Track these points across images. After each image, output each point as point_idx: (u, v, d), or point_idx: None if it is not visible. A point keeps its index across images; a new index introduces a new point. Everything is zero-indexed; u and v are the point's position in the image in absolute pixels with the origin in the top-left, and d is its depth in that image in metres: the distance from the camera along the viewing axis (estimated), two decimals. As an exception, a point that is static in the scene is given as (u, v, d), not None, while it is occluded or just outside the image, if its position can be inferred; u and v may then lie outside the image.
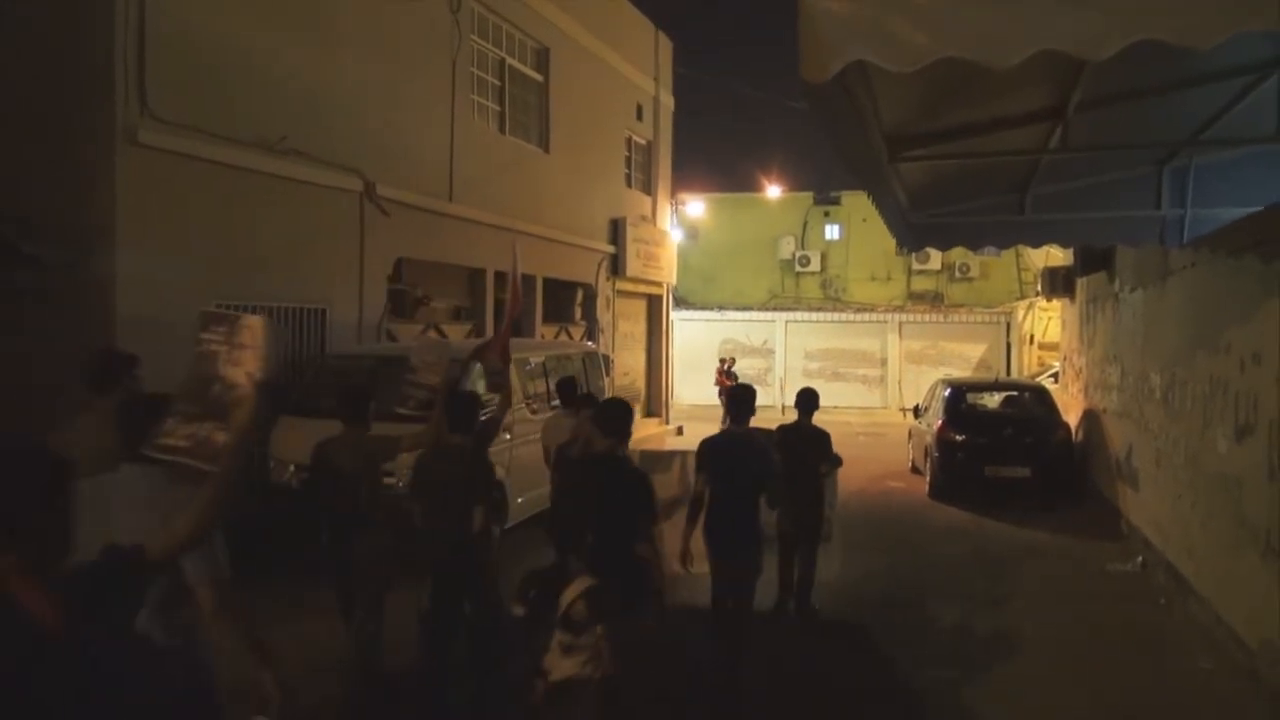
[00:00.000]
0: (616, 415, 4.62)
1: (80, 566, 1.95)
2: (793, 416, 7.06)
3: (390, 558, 5.11)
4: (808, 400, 7.01)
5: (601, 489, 4.41)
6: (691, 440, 12.53)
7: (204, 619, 2.94)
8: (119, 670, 1.89)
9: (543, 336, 14.14)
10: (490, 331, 12.70)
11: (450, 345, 7.52)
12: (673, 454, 10.93)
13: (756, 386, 6.67)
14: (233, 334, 3.24)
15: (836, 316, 25.46)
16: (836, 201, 28.14)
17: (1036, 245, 9.89)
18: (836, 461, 7.09)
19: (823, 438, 6.95)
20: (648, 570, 4.16)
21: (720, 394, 8.41)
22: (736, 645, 5.24)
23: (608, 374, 12.17)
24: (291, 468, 7.56)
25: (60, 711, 1.76)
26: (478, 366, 7.34)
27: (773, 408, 18.00)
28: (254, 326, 3.13)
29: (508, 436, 8.36)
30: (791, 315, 25.53)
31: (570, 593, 3.74)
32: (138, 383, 4.14)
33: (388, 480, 5.71)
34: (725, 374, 17.76)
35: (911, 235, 7.63)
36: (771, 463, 5.56)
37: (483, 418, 5.89)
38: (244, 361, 3.12)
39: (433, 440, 5.19)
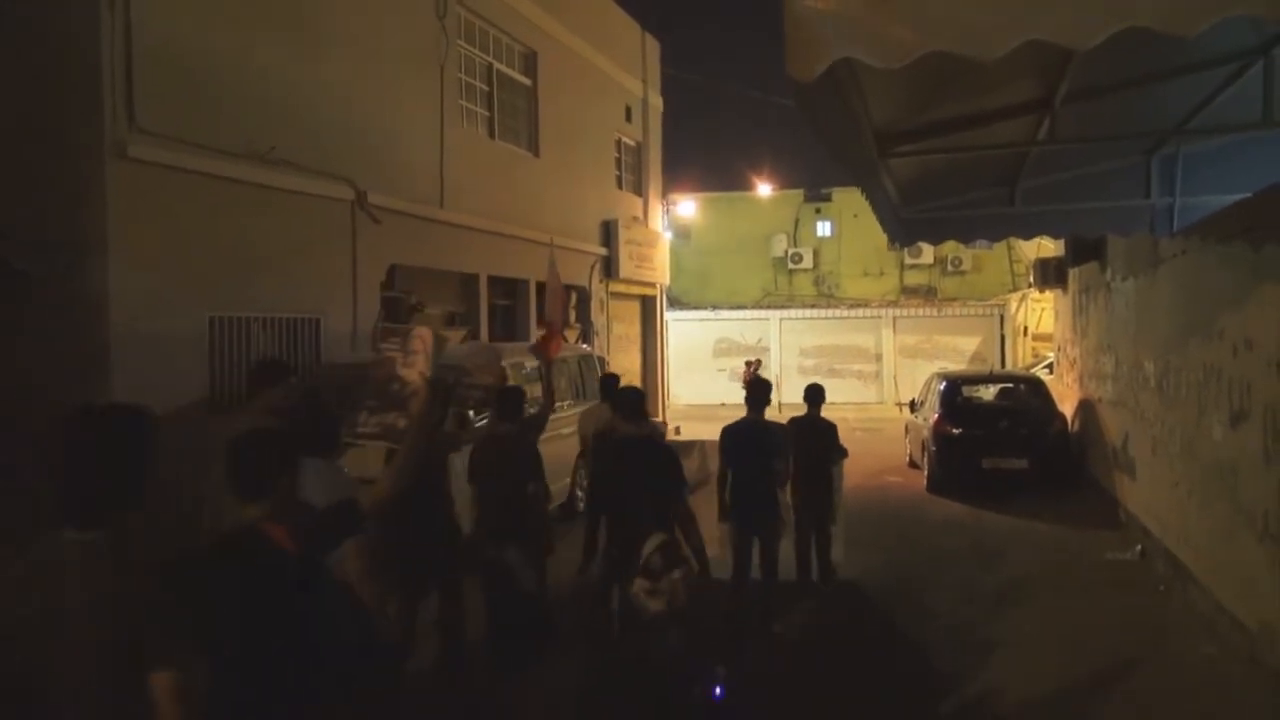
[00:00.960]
0: (635, 400, 5.49)
1: (313, 512, 2.74)
2: (790, 412, 7.69)
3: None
4: (816, 394, 7.55)
5: (641, 464, 5.04)
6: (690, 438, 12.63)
7: (353, 580, 3.39)
8: (331, 589, 2.70)
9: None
10: (486, 336, 12.72)
11: (500, 349, 8.31)
12: (692, 443, 11.96)
13: (752, 383, 7.35)
14: (405, 343, 4.20)
15: (830, 313, 25.50)
16: (828, 198, 28.19)
17: (1028, 237, 9.93)
18: (843, 452, 7.61)
19: (831, 429, 7.47)
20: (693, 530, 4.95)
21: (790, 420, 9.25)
22: (766, 606, 6.34)
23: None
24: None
25: (303, 612, 2.49)
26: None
27: (769, 405, 17.90)
28: (423, 336, 4.06)
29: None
30: (785, 313, 25.56)
31: (648, 546, 4.49)
32: (291, 387, 4.73)
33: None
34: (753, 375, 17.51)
35: (903, 230, 7.65)
36: (781, 446, 6.39)
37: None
38: (416, 364, 3.99)
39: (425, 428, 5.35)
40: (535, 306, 14.30)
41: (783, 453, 6.43)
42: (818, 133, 3.76)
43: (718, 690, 4.39)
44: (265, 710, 2.41)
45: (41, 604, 2.05)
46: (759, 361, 18.56)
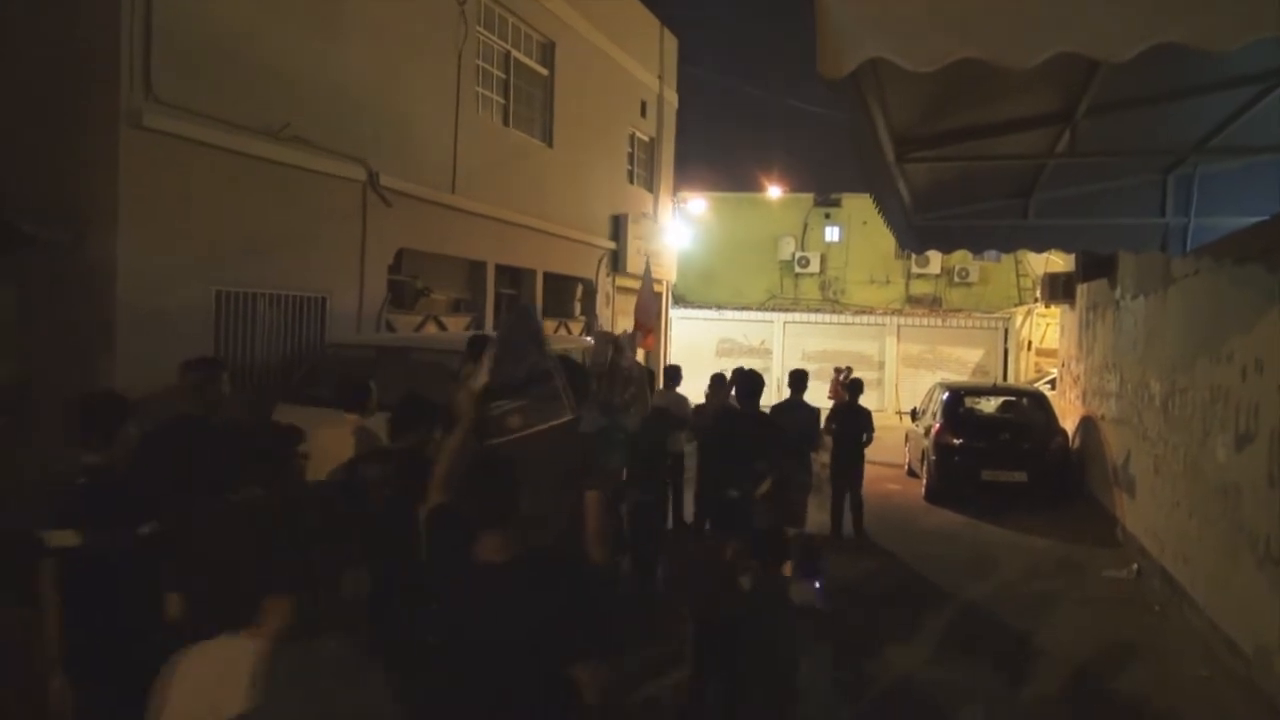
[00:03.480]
0: (755, 382, 6.38)
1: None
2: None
3: None
4: (856, 388, 10.17)
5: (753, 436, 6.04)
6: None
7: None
8: None
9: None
10: (491, 326, 12.71)
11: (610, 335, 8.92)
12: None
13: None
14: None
15: (835, 318, 25.45)
16: (837, 203, 28.13)
17: (1039, 250, 9.91)
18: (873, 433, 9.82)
19: (866, 414, 9.80)
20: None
21: (833, 404, 9.67)
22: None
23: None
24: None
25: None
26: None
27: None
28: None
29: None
30: (790, 316, 25.51)
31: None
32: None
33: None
34: (842, 385, 15.12)
35: (915, 237, 7.63)
36: (817, 424, 8.25)
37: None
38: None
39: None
40: (541, 296, 14.30)
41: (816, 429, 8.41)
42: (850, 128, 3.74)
43: (818, 584, 5.42)
44: None
45: None
46: (849, 369, 17.39)
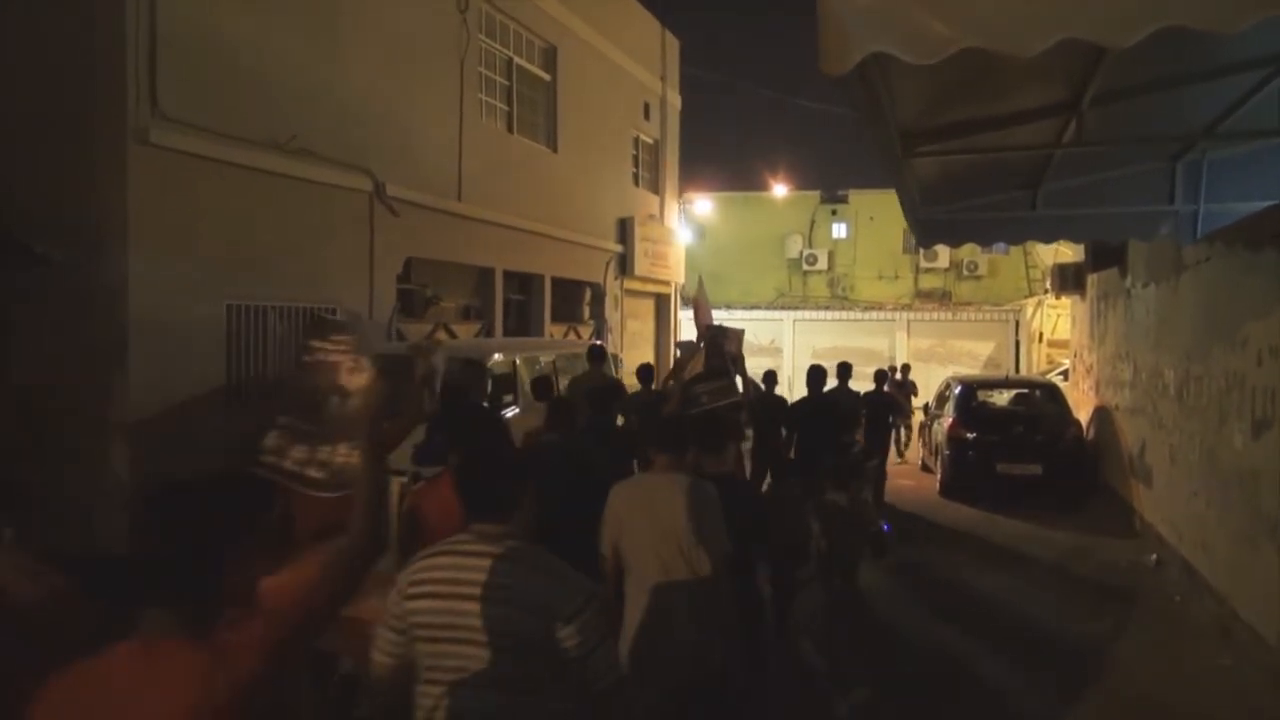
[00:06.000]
0: (822, 373, 8.71)
1: None
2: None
3: None
4: (881, 376, 11.07)
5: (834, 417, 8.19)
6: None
7: None
8: None
9: (551, 336, 14.14)
10: (500, 331, 12.75)
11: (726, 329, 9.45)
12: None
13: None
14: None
15: (844, 315, 25.39)
16: (844, 200, 28.09)
17: (1048, 241, 9.85)
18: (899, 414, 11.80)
19: (892, 401, 11.10)
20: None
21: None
22: None
23: (616, 372, 12.15)
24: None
25: None
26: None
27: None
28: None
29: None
30: (799, 314, 25.47)
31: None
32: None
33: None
34: (895, 383, 15.54)
35: (922, 231, 7.61)
36: (852, 412, 8.94)
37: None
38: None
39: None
40: (550, 301, 14.33)
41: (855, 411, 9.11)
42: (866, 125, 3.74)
43: (886, 525, 6.71)
44: None
45: None
46: (907, 366, 17.45)
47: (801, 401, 8.93)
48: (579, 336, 15.14)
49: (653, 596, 3.50)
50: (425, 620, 2.34)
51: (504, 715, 2.29)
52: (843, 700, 5.13)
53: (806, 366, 9.27)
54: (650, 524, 3.55)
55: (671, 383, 6.00)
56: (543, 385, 7.74)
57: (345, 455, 2.88)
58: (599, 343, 10.80)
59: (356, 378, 3.36)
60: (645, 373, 9.53)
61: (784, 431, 8.62)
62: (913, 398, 15.56)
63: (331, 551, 1.99)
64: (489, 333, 12.56)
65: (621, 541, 3.59)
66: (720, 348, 6.69)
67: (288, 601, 1.80)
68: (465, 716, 2.31)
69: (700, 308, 9.50)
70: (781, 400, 9.65)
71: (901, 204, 6.26)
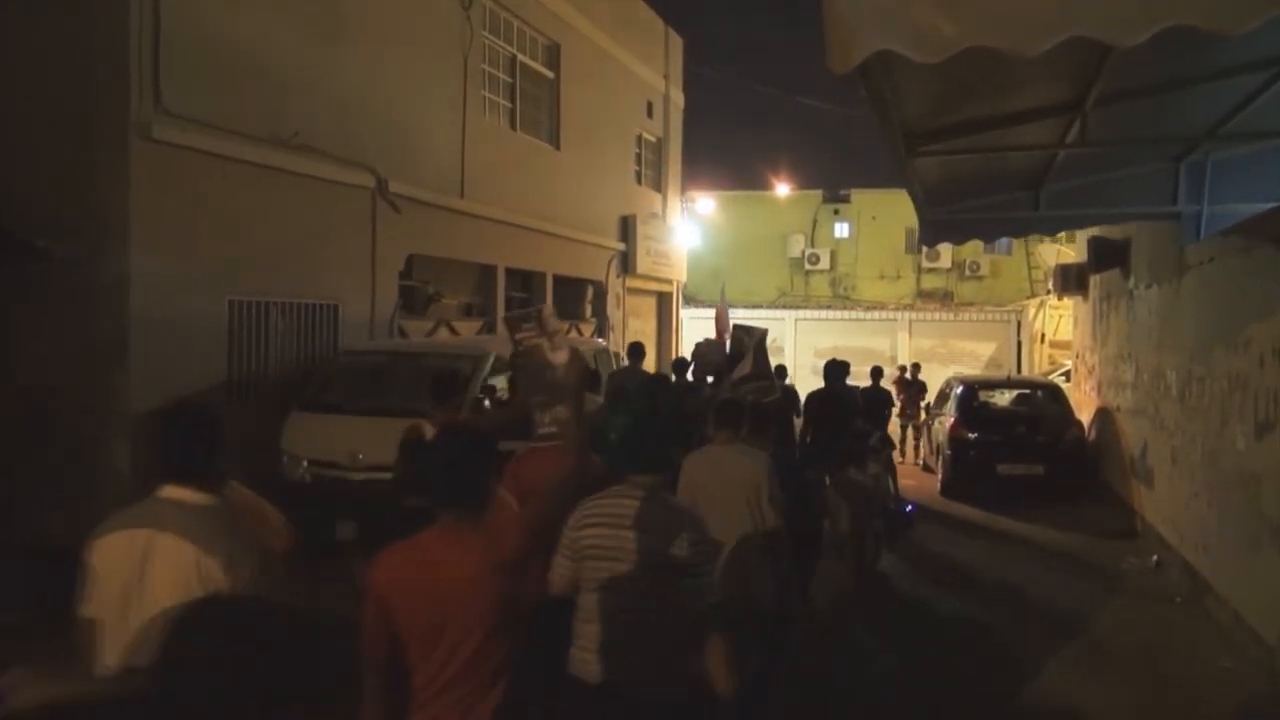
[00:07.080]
0: (840, 367, 9.06)
1: None
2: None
3: None
4: (878, 373, 11.39)
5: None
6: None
7: None
8: None
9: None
10: (499, 329, 12.74)
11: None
12: None
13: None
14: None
15: (846, 315, 25.36)
16: (846, 199, 28.09)
17: (1052, 233, 9.93)
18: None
19: (888, 397, 11.57)
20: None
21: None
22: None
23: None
24: (305, 463, 7.55)
25: None
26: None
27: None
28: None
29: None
30: (801, 313, 25.44)
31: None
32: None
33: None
34: (905, 381, 15.90)
35: (927, 230, 7.61)
36: (858, 403, 9.38)
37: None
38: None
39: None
40: (551, 298, 14.33)
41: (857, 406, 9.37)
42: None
43: (910, 507, 7.59)
44: None
45: None
46: (917, 365, 17.56)
47: (817, 392, 9.39)
48: (581, 334, 15.14)
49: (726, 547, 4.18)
50: (590, 544, 3.06)
51: (639, 613, 2.98)
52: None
53: (806, 366, 9.41)
54: (721, 485, 4.34)
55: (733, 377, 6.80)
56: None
57: (563, 413, 3.67)
58: (639, 341, 11.22)
59: (560, 354, 4.13)
60: (636, 350, 10.20)
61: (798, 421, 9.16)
62: (922, 399, 15.48)
63: (554, 481, 2.87)
64: (490, 330, 12.56)
65: (696, 500, 4.18)
66: (765, 353, 7.18)
67: (534, 507, 2.77)
68: (613, 613, 3.01)
69: (720, 316, 10.34)
70: (793, 391, 10.19)
71: (912, 199, 6.25)
